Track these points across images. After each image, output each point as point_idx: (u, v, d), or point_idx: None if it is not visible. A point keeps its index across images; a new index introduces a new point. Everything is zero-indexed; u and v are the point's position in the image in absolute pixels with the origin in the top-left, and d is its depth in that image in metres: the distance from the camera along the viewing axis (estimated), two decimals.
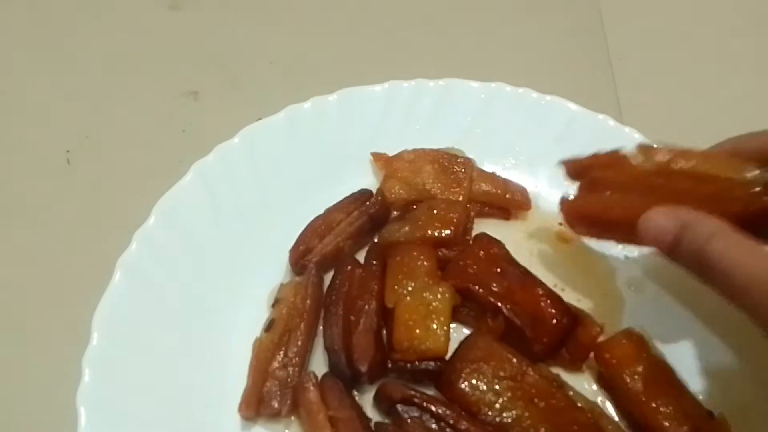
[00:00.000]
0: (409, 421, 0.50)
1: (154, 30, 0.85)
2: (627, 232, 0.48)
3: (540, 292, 0.55)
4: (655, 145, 0.52)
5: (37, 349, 0.58)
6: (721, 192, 0.46)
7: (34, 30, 0.84)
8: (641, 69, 0.81)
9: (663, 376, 0.52)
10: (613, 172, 0.52)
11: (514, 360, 0.51)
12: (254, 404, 0.52)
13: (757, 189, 0.44)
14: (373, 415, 0.53)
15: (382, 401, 0.52)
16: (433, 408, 0.50)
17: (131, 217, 0.62)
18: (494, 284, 0.55)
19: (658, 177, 0.49)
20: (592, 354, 0.54)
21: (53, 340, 0.58)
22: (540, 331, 0.53)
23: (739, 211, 0.44)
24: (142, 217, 0.62)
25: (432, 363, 0.53)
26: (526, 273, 0.57)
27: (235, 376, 0.54)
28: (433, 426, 0.49)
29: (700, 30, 0.86)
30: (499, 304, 0.54)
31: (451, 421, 0.49)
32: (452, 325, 0.54)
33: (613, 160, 0.52)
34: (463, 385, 0.51)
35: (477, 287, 0.55)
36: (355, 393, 0.54)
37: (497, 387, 0.50)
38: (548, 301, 0.54)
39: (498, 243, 0.59)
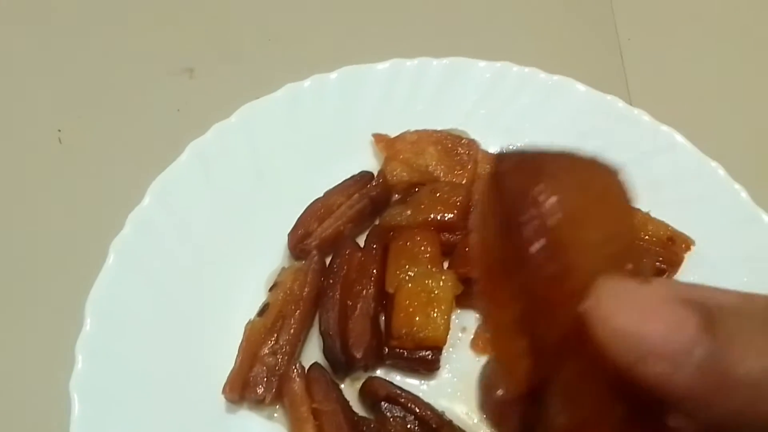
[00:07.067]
0: (391, 420, 0.49)
1: (147, 5, 0.82)
2: None
3: None
4: None
5: (30, 336, 0.57)
6: None
7: (23, 7, 0.82)
8: (650, 50, 0.78)
9: None
10: None
11: None
12: (238, 388, 0.51)
13: None
14: (359, 410, 0.51)
15: (366, 397, 0.51)
16: (417, 410, 0.49)
17: (125, 199, 0.60)
18: None
19: None
20: None
21: (46, 326, 0.57)
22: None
23: None
24: (136, 199, 0.60)
25: (429, 352, 0.52)
26: None
27: (228, 361, 0.52)
28: (416, 428, 0.49)
29: (709, 11, 0.83)
30: None
31: (434, 425, 0.48)
32: (458, 311, 0.54)
33: None
34: None
35: None
36: (343, 386, 0.52)
37: None
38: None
39: None
